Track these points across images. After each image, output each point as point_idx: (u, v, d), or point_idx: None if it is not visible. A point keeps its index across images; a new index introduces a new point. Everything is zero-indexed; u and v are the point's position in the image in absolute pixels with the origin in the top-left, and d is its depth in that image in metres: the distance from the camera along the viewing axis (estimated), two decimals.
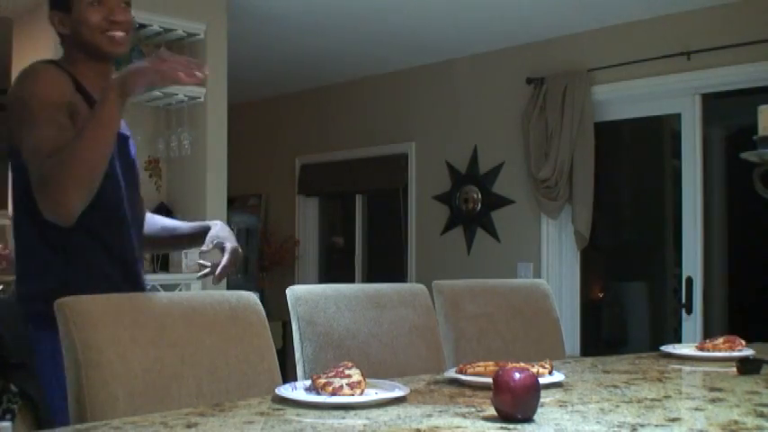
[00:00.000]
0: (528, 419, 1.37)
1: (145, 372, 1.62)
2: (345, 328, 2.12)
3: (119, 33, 2.00)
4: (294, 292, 2.15)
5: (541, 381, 1.48)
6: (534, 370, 1.66)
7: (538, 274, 4.94)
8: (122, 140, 2.08)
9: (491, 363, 1.77)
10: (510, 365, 1.58)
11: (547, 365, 1.79)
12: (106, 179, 1.85)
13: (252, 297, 1.90)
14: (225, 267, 2.07)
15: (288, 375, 1.95)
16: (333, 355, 2.08)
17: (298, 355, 2.12)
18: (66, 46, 2.05)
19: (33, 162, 1.81)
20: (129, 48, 2.05)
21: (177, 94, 4.30)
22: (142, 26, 4.21)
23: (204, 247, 2.10)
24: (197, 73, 1.78)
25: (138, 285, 2.03)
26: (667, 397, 1.62)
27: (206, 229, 2.20)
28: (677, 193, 4.53)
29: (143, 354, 1.64)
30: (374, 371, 1.98)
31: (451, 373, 1.80)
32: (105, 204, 1.92)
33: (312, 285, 2.21)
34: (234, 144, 4.62)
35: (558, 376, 1.77)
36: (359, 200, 6.51)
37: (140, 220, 2.16)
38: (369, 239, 6.46)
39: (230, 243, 2.10)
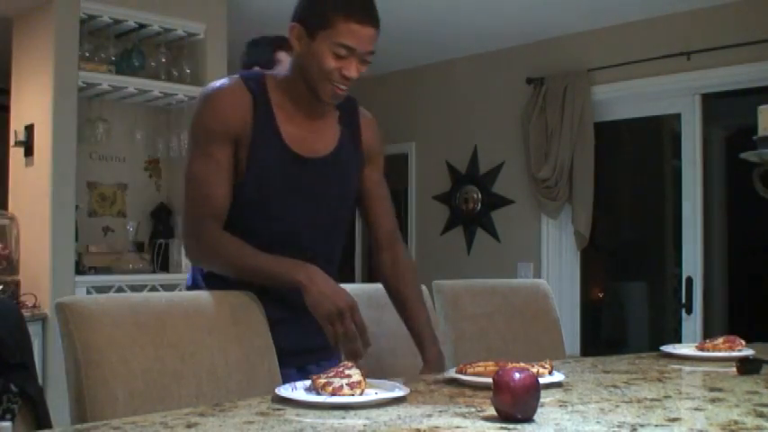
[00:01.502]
0: (528, 419, 1.37)
1: (145, 372, 1.62)
2: None
3: (342, 88, 1.88)
4: None
5: (541, 381, 1.47)
6: (534, 370, 1.66)
7: (538, 274, 4.94)
8: (313, 166, 1.93)
9: (491, 363, 1.77)
10: (510, 365, 1.58)
11: (547, 365, 1.79)
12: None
13: (252, 297, 1.90)
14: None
15: None
16: None
17: None
18: (293, 59, 1.94)
19: (185, 188, 1.88)
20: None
21: (177, 94, 4.30)
22: (142, 26, 4.22)
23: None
24: (357, 358, 1.71)
25: None
26: (667, 397, 1.62)
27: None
28: (677, 193, 4.54)
29: (143, 354, 1.63)
30: (374, 371, 1.98)
31: (451, 373, 1.79)
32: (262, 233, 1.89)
33: None
34: None
35: (558, 376, 1.76)
36: None
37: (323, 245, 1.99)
38: (369, 239, 6.44)
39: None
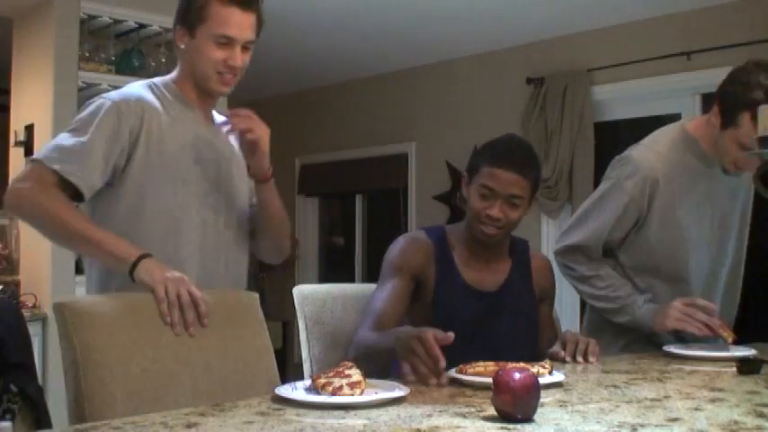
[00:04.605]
0: (528, 419, 1.37)
1: (143, 372, 1.62)
2: (354, 328, 2.11)
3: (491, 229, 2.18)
4: (301, 291, 2.21)
5: (541, 381, 1.47)
6: (534, 370, 1.66)
7: None
8: None
9: (491, 363, 1.77)
10: (510, 365, 1.58)
11: (547, 365, 1.79)
12: None
13: (250, 297, 1.90)
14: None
15: (287, 375, 1.95)
16: (341, 354, 2.09)
17: (305, 354, 2.13)
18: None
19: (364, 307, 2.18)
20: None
21: None
22: (142, 26, 4.22)
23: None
24: (433, 381, 1.69)
25: None
26: (667, 397, 1.62)
27: None
28: None
29: (141, 354, 1.63)
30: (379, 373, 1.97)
31: (451, 373, 1.79)
32: None
33: (318, 285, 2.23)
34: None
35: (558, 376, 1.76)
36: (359, 200, 6.51)
37: None
38: (369, 239, 6.45)
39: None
